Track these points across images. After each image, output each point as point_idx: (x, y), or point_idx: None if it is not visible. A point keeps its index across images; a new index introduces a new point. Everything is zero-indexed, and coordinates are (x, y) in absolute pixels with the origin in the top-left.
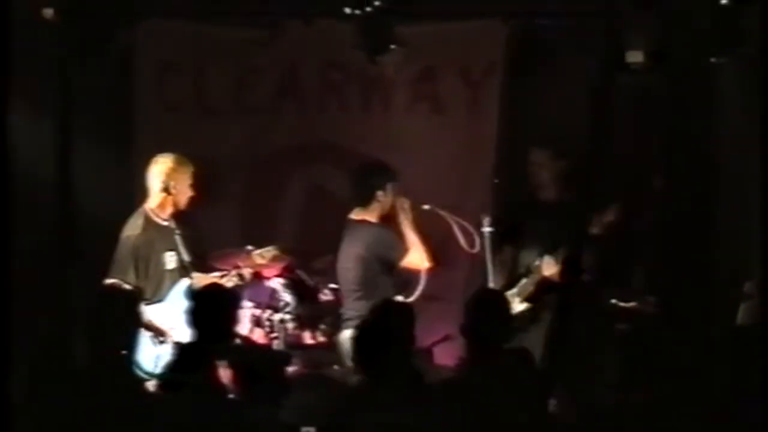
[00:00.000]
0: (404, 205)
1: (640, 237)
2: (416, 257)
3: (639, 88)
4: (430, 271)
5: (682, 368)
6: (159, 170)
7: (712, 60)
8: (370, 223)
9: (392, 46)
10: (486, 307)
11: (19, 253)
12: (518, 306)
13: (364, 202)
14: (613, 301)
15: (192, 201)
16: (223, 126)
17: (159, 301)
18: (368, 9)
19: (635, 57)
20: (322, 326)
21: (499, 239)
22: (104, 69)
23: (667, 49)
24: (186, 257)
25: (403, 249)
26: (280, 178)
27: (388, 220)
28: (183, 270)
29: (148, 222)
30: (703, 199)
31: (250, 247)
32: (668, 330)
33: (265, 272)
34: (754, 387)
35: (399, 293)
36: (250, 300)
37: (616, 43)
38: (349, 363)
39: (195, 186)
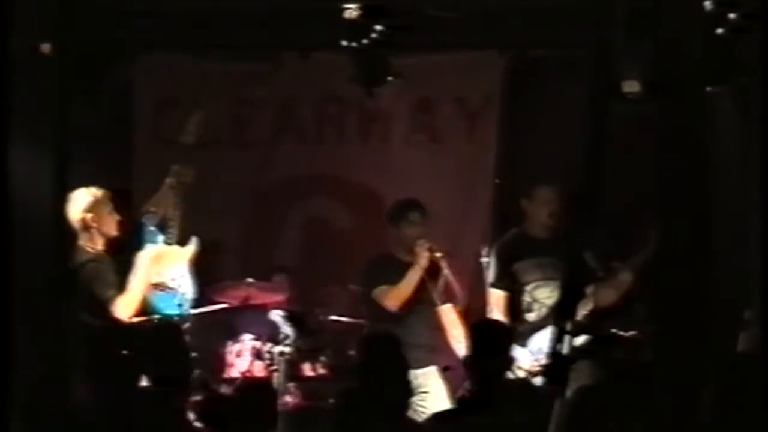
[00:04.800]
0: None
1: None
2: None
3: (636, 117)
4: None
5: (680, 396)
6: (75, 207)
7: (708, 89)
8: None
9: (389, 78)
10: (487, 337)
11: (18, 289)
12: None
13: None
14: (614, 330)
15: (120, 225)
16: (222, 159)
17: None
18: (364, 41)
19: (631, 87)
20: (322, 358)
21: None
22: (103, 104)
23: (663, 79)
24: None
25: None
26: (279, 210)
27: None
28: None
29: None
30: (700, 227)
31: (250, 280)
32: (667, 358)
33: (266, 303)
34: (753, 415)
35: None
36: (250, 332)
37: (611, 73)
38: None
39: (118, 210)
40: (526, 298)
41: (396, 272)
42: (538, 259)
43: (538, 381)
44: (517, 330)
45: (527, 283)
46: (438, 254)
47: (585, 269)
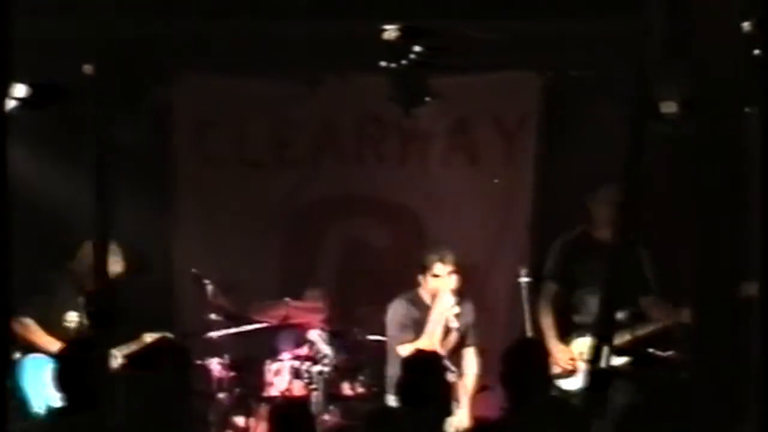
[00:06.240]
0: None
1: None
2: None
3: (674, 138)
4: None
5: (719, 415)
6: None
7: (746, 110)
8: None
9: (427, 99)
10: (525, 357)
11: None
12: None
13: None
14: (651, 350)
15: None
16: (262, 179)
17: None
18: (403, 62)
19: (669, 107)
20: (361, 377)
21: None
22: (144, 125)
23: (701, 100)
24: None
25: None
26: (318, 230)
27: None
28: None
29: None
30: (739, 245)
31: (288, 299)
32: (704, 378)
33: (305, 323)
34: None
35: None
36: (289, 352)
37: (649, 93)
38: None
39: None
40: (576, 300)
41: (419, 319)
42: (599, 264)
43: (573, 383)
44: (559, 327)
45: (582, 286)
46: (454, 324)
47: (637, 286)
